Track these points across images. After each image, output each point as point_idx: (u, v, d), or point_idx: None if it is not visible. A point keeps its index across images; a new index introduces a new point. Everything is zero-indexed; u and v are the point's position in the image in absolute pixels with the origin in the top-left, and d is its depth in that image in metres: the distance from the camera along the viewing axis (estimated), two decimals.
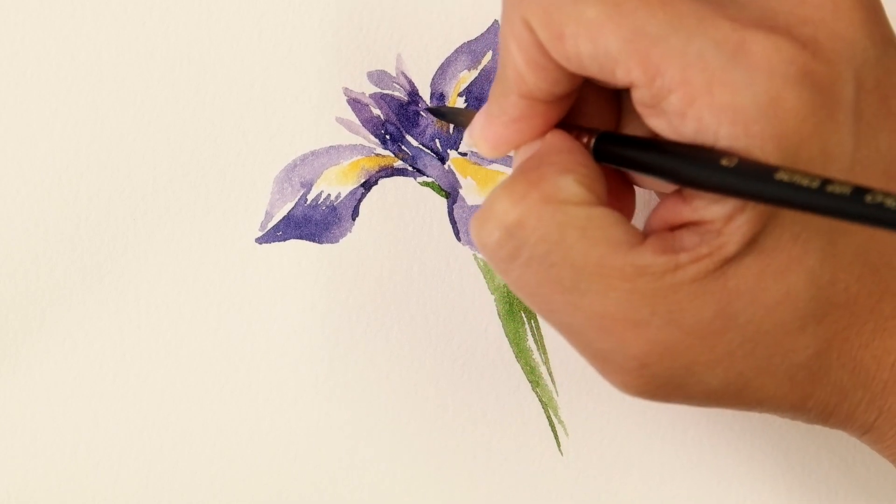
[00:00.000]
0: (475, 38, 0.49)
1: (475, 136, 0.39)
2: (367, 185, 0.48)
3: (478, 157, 0.49)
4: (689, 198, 0.35)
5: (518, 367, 0.48)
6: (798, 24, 0.35)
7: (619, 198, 0.40)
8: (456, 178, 0.48)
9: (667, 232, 0.36)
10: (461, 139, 0.49)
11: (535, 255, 0.35)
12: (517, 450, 0.48)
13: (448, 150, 0.49)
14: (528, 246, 0.35)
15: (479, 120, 0.38)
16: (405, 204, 0.48)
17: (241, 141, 0.48)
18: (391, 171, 0.48)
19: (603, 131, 0.38)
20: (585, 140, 0.38)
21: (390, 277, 0.48)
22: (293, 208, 0.48)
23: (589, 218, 0.35)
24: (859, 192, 0.32)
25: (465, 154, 0.49)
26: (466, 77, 0.49)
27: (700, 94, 0.33)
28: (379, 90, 0.49)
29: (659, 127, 0.35)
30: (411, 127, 0.49)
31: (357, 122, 0.48)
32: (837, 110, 0.35)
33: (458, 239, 0.48)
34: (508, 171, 0.48)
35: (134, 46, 0.48)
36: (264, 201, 0.48)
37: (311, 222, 0.48)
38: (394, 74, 0.49)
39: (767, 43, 0.34)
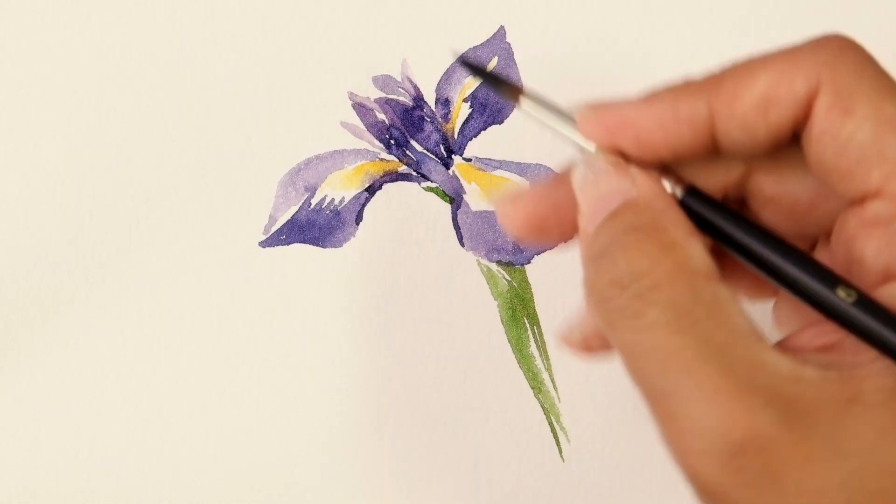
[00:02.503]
0: (481, 44, 0.49)
1: (609, 109, 0.35)
2: (372, 190, 0.48)
3: (483, 162, 0.49)
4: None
5: (520, 372, 0.48)
6: None
7: None
8: (460, 184, 0.48)
9: (795, 349, 0.34)
10: (465, 144, 0.49)
11: (659, 321, 0.33)
12: (519, 456, 0.48)
13: (452, 156, 0.49)
14: (655, 311, 0.33)
15: (635, 100, 0.35)
16: (409, 209, 0.48)
17: (245, 144, 0.48)
18: (395, 176, 0.48)
19: (690, 185, 0.35)
20: (671, 192, 0.35)
21: (394, 282, 0.48)
22: (297, 212, 0.48)
23: (715, 296, 0.33)
24: None
25: (469, 160, 0.49)
26: (472, 82, 0.49)
27: None
28: (384, 95, 0.49)
29: (871, 248, 0.34)
30: (416, 132, 0.49)
31: (362, 126, 0.48)
32: None
33: (462, 244, 0.48)
34: (514, 177, 0.48)
35: (138, 49, 0.48)
36: (268, 205, 0.48)
37: (315, 226, 0.48)
38: (399, 79, 0.49)
39: None
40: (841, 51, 0.34)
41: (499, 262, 0.48)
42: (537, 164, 0.48)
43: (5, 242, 0.47)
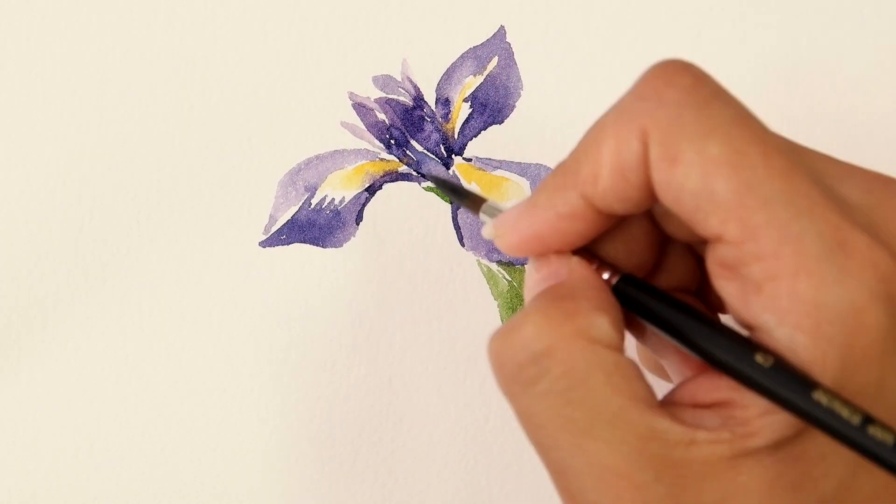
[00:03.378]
0: (481, 44, 0.49)
1: (505, 225, 0.37)
2: (372, 190, 0.48)
3: (483, 162, 0.49)
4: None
5: None
6: None
7: None
8: (459, 181, 0.48)
9: (686, 406, 0.34)
10: (465, 144, 0.49)
11: (554, 389, 0.34)
12: (519, 455, 0.48)
13: (452, 156, 0.49)
14: (550, 377, 0.34)
15: (514, 211, 0.37)
16: (409, 209, 0.48)
17: (245, 144, 0.48)
18: (396, 176, 0.48)
19: (626, 273, 0.36)
20: (606, 277, 0.36)
21: (394, 282, 0.48)
22: (297, 212, 0.48)
23: (616, 364, 0.34)
24: None
25: (469, 160, 0.49)
26: (472, 82, 0.49)
27: (786, 273, 0.32)
28: (384, 95, 0.49)
29: (726, 290, 0.34)
30: (416, 132, 0.49)
31: (362, 126, 0.48)
32: None
33: (462, 244, 0.48)
34: (513, 177, 0.48)
35: (139, 50, 0.48)
36: (268, 205, 0.48)
37: (315, 226, 0.48)
38: (399, 79, 0.49)
39: (868, 252, 0.32)
40: (659, 94, 0.34)
41: (499, 262, 0.48)
42: (537, 164, 0.48)
43: (6, 242, 0.47)
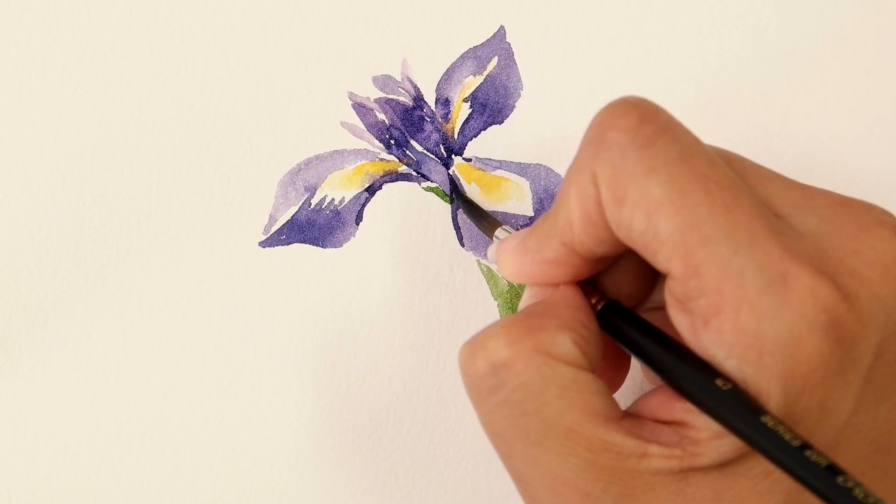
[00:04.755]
0: (481, 44, 0.49)
1: (502, 257, 0.39)
2: (372, 190, 0.48)
3: (483, 162, 0.49)
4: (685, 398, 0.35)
5: None
6: (844, 274, 0.34)
7: (612, 365, 0.40)
8: (460, 184, 0.48)
9: (646, 420, 0.36)
10: (465, 144, 0.49)
11: (511, 399, 0.35)
12: None
13: (452, 156, 0.49)
14: (507, 388, 0.35)
15: (511, 243, 0.39)
16: (409, 209, 0.48)
17: (245, 144, 0.48)
18: (395, 176, 0.48)
19: (612, 300, 0.38)
20: (594, 301, 0.38)
21: (394, 282, 0.48)
22: (297, 212, 0.48)
23: (573, 380, 0.35)
24: (833, 470, 0.31)
25: (469, 160, 0.49)
26: (472, 82, 0.49)
27: (728, 308, 0.33)
28: (384, 95, 0.49)
29: (679, 322, 0.35)
30: (416, 132, 0.49)
31: (362, 126, 0.48)
32: (851, 370, 0.34)
33: (462, 244, 0.48)
34: (513, 177, 0.48)
35: (139, 49, 0.48)
36: (268, 205, 0.48)
37: (315, 227, 0.48)
38: (399, 79, 0.49)
39: (808, 282, 0.33)
40: (603, 138, 0.35)
41: None
42: (537, 164, 0.48)
43: (6, 242, 0.47)
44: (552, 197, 0.48)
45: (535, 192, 0.48)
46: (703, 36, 0.49)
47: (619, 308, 0.38)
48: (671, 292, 0.35)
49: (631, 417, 0.36)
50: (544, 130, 0.49)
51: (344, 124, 0.48)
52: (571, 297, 0.37)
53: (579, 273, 0.38)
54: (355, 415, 0.48)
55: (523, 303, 0.39)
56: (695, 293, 0.34)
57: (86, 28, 0.48)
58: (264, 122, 0.48)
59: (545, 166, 0.48)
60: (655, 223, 0.34)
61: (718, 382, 0.33)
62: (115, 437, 0.47)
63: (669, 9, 0.49)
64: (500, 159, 0.49)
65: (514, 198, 0.48)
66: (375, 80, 0.49)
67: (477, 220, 0.47)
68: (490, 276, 0.48)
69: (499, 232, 0.44)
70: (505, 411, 0.35)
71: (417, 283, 0.48)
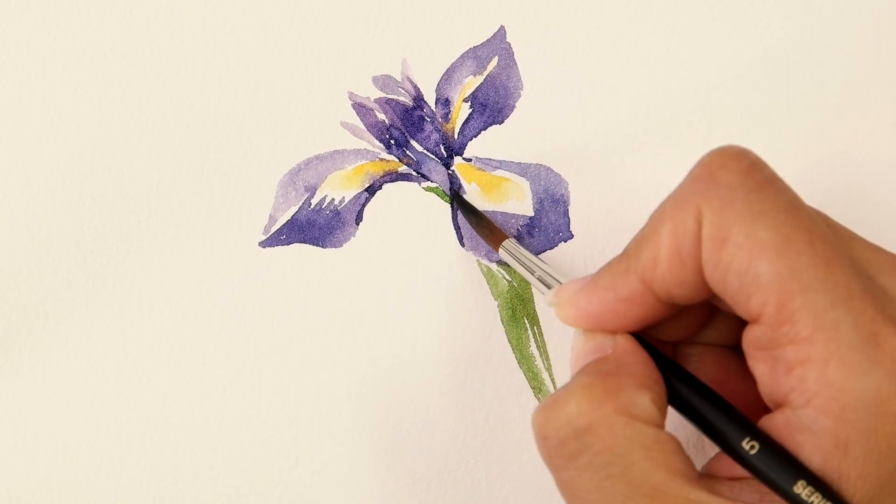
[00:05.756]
0: (481, 44, 0.49)
1: (564, 299, 0.39)
2: (372, 190, 0.48)
3: (483, 162, 0.49)
4: None
5: (521, 373, 0.48)
6: None
7: None
8: (460, 184, 0.48)
9: (722, 479, 0.36)
10: (465, 144, 0.49)
11: (595, 462, 0.35)
12: (519, 455, 0.48)
13: (452, 156, 0.49)
14: (591, 452, 0.35)
15: (577, 284, 0.38)
16: (409, 209, 0.48)
17: (245, 144, 0.48)
18: (395, 176, 0.48)
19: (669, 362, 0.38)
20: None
21: (393, 282, 0.48)
22: (297, 212, 0.48)
23: (656, 440, 0.35)
24: None
25: (469, 160, 0.49)
26: (472, 82, 0.49)
27: (818, 358, 0.33)
28: (384, 95, 0.49)
29: (757, 369, 0.35)
30: (416, 132, 0.49)
31: (362, 126, 0.48)
32: None
33: (462, 244, 0.48)
34: (513, 177, 0.48)
35: (139, 49, 0.48)
36: (268, 205, 0.48)
37: (315, 227, 0.48)
38: (399, 79, 0.49)
39: None
40: (714, 176, 0.35)
41: (499, 262, 0.48)
42: (537, 164, 0.48)
43: (6, 243, 0.47)
44: (552, 197, 0.48)
45: (535, 192, 0.48)
46: (702, 36, 0.49)
47: (683, 373, 0.37)
48: (755, 340, 0.35)
49: (707, 477, 0.36)
50: (544, 130, 0.49)
51: (344, 124, 0.48)
52: (638, 350, 0.37)
53: (645, 319, 0.38)
54: (355, 415, 0.48)
55: (578, 355, 0.39)
56: (784, 339, 0.34)
57: (86, 28, 0.48)
58: (264, 122, 0.48)
59: (545, 166, 0.48)
60: (757, 266, 0.34)
61: (745, 445, 0.34)
62: (115, 437, 0.47)
63: (669, 9, 0.49)
64: (500, 159, 0.49)
65: (514, 198, 0.48)
66: (375, 80, 0.49)
67: (479, 228, 0.47)
68: (490, 276, 0.48)
69: (507, 244, 0.44)
70: (589, 474, 0.35)
71: (417, 283, 0.48)
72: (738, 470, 0.36)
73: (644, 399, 0.35)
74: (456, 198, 0.48)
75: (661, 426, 0.36)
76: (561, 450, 0.36)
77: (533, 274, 0.43)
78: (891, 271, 0.36)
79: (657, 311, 0.37)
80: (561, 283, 0.41)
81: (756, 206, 0.34)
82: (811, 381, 0.33)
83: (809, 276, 0.33)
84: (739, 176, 0.35)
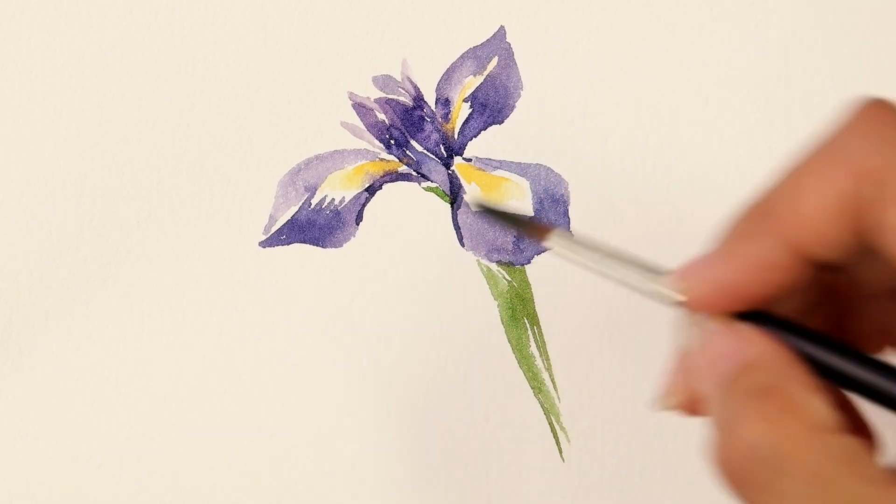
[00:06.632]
0: (481, 44, 0.49)
1: (694, 275, 0.33)
2: (372, 190, 0.48)
3: (483, 162, 0.49)
4: None
5: (520, 373, 0.48)
6: None
7: None
8: (460, 184, 0.48)
9: None
10: (465, 144, 0.49)
11: (792, 489, 0.31)
12: (519, 456, 0.48)
13: (452, 156, 0.49)
14: (786, 476, 0.31)
15: (703, 259, 0.33)
16: (409, 209, 0.48)
17: (245, 144, 0.48)
18: (395, 176, 0.48)
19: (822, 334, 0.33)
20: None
21: (393, 282, 0.48)
22: (297, 212, 0.48)
23: (853, 450, 0.31)
24: None
25: (469, 160, 0.49)
26: (472, 82, 0.49)
27: None
28: (384, 95, 0.49)
29: None
30: (416, 132, 0.49)
31: (362, 126, 0.48)
32: None
33: (462, 244, 0.48)
34: (514, 177, 0.48)
35: (139, 49, 0.48)
36: (268, 205, 0.48)
37: (315, 226, 0.48)
38: (399, 79, 0.49)
39: None
40: (878, 132, 0.32)
41: (499, 262, 0.48)
42: (537, 164, 0.48)
43: (6, 242, 0.47)
44: (552, 197, 0.48)
45: (535, 192, 0.48)
46: (702, 36, 0.49)
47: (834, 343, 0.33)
48: None
49: None
50: (544, 130, 0.49)
51: (344, 124, 0.48)
52: (778, 348, 0.33)
53: (788, 285, 0.33)
54: (354, 415, 0.48)
55: (711, 362, 0.33)
56: None
57: (86, 28, 0.48)
58: (264, 122, 0.48)
59: (545, 166, 0.48)
60: None
61: None
62: (115, 436, 0.47)
63: (669, 9, 0.49)
64: (500, 159, 0.49)
65: (514, 198, 0.48)
66: (375, 80, 0.49)
67: (514, 225, 0.42)
68: (490, 276, 0.48)
69: (553, 238, 0.35)
70: (786, 501, 0.31)
71: (417, 283, 0.48)
72: None
73: (819, 404, 0.31)
74: (482, 208, 0.46)
75: (848, 432, 0.32)
76: (752, 480, 0.32)
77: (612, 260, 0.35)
78: None
79: (800, 275, 0.33)
80: (651, 268, 0.34)
81: None
82: None
83: None
84: None
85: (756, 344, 0.33)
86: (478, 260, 0.48)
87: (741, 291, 0.32)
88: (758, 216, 0.32)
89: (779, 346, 0.33)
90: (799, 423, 0.31)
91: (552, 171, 0.48)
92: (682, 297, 0.32)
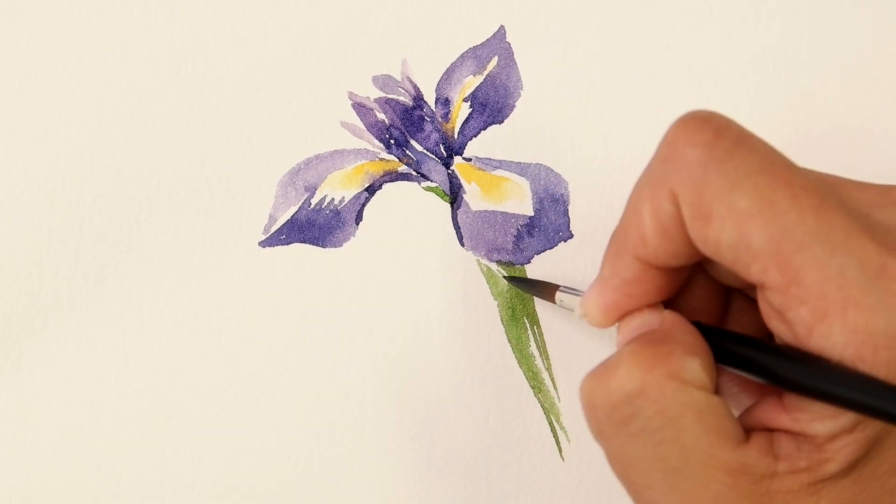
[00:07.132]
0: (481, 44, 0.49)
1: (589, 304, 0.38)
2: (371, 190, 0.48)
3: (483, 161, 0.49)
4: (789, 408, 0.35)
5: (520, 372, 0.48)
6: None
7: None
8: (460, 183, 0.48)
9: (767, 433, 0.36)
10: (465, 144, 0.49)
11: (647, 428, 0.35)
12: (519, 455, 0.48)
13: (452, 155, 0.49)
14: (643, 416, 0.35)
15: (592, 288, 0.38)
16: (409, 209, 0.48)
17: (245, 144, 0.48)
18: (395, 176, 0.48)
19: (694, 321, 0.38)
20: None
21: (393, 282, 0.48)
22: (297, 212, 0.48)
23: (707, 404, 0.35)
24: None
25: (469, 159, 0.49)
26: (472, 82, 0.49)
27: (833, 310, 0.33)
28: (384, 94, 0.49)
29: (780, 331, 0.35)
30: (416, 132, 0.49)
31: (362, 126, 0.48)
32: None
33: (462, 244, 0.48)
34: (513, 177, 0.48)
35: (139, 49, 0.48)
36: (268, 205, 0.48)
37: (315, 226, 0.48)
38: (399, 79, 0.49)
39: None
40: (681, 155, 0.35)
41: (499, 262, 0.48)
42: (537, 164, 0.48)
43: (6, 242, 0.47)
44: (552, 197, 0.48)
45: (535, 192, 0.48)
46: (702, 35, 0.49)
47: (707, 328, 0.37)
48: (768, 303, 0.34)
49: (755, 434, 0.35)
50: (544, 130, 0.49)
51: (344, 124, 0.48)
52: (682, 323, 0.37)
53: (660, 289, 0.37)
54: (354, 415, 0.48)
55: (624, 336, 0.39)
56: (794, 302, 0.33)
57: (86, 28, 0.48)
58: (264, 122, 0.48)
59: (545, 166, 0.48)
60: (747, 236, 0.33)
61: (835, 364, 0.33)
62: (115, 436, 0.47)
63: (669, 9, 0.49)
64: (500, 159, 0.49)
65: (514, 197, 0.48)
66: (375, 80, 0.49)
67: (533, 290, 0.47)
68: (490, 276, 0.48)
69: (560, 295, 0.44)
70: (641, 440, 0.35)
71: (417, 283, 0.48)
72: (769, 422, 0.35)
73: (694, 364, 0.35)
74: (509, 279, 0.48)
75: (713, 392, 0.35)
76: (611, 416, 0.35)
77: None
78: (884, 204, 0.35)
79: (666, 280, 0.37)
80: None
81: (730, 176, 0.34)
82: (836, 334, 0.33)
83: (801, 232, 0.33)
84: (706, 149, 0.34)
85: (665, 317, 0.37)
86: (478, 260, 0.48)
87: (622, 305, 0.38)
88: (617, 241, 0.37)
89: (680, 319, 0.37)
90: (665, 371, 0.35)
91: (552, 171, 0.48)
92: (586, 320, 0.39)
